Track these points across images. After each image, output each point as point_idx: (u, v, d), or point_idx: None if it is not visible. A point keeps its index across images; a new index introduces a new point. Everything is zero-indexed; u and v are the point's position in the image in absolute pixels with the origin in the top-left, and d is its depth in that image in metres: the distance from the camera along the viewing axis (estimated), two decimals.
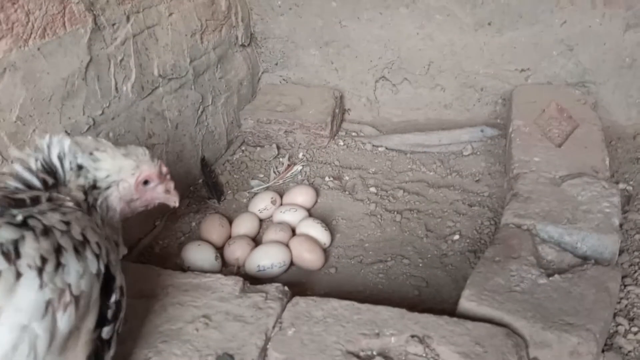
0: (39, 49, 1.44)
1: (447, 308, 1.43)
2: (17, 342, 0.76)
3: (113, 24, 1.70)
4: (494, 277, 1.36)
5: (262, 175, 2.21)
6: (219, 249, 1.78)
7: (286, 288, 1.41)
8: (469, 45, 2.37)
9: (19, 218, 0.86)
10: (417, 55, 2.45)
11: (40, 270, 0.81)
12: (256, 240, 1.84)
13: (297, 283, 1.65)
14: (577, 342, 1.19)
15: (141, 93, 1.86)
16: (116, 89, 1.74)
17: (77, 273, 0.87)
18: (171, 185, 1.23)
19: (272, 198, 1.97)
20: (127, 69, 1.78)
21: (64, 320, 0.83)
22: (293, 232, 1.84)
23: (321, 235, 1.81)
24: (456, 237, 1.80)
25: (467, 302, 1.30)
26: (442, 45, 2.40)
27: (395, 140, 2.35)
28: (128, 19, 1.77)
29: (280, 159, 2.28)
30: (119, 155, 1.13)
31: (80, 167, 1.07)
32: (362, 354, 1.19)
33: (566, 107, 2.10)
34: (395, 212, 1.94)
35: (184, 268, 1.68)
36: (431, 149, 2.30)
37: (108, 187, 1.11)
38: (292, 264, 1.73)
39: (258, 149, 2.36)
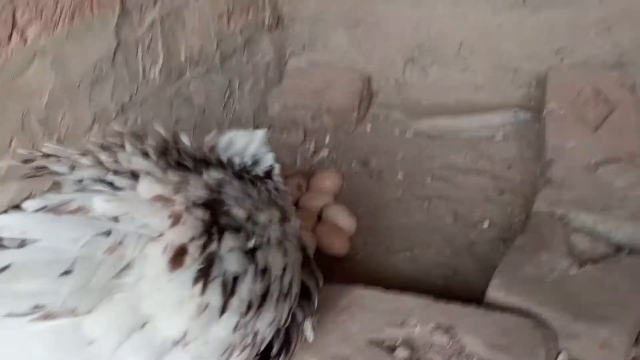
0: (67, 33, 1.45)
1: (474, 297, 1.40)
2: None
3: (141, 7, 1.70)
4: (523, 266, 1.33)
5: (288, 160, 2.20)
6: None
7: None
8: (502, 25, 2.30)
9: (251, 245, 0.82)
10: (449, 36, 2.38)
11: (242, 315, 0.78)
12: None
13: (321, 270, 1.64)
14: (608, 334, 1.16)
15: (168, 78, 1.86)
16: (144, 74, 1.75)
17: (268, 322, 0.84)
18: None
19: (298, 183, 1.96)
20: (154, 54, 1.78)
21: (218, 331, 0.78)
22: (318, 217, 1.84)
23: (347, 221, 1.79)
24: (486, 225, 1.76)
25: (495, 292, 1.27)
26: (474, 26, 2.33)
27: (424, 125, 2.31)
28: (155, 1, 1.76)
29: (307, 144, 2.27)
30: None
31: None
32: (385, 343, 1.18)
33: (603, 90, 2.02)
34: (423, 199, 1.91)
35: None
36: (461, 134, 2.24)
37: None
38: (317, 250, 1.72)
39: (285, 133, 2.35)
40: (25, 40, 1.35)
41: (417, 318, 1.21)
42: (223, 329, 0.76)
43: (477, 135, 2.23)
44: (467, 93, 2.47)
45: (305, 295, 1.02)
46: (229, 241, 0.79)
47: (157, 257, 0.71)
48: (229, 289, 0.76)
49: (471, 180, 1.98)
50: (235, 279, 0.77)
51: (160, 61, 1.81)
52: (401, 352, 1.14)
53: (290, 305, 0.90)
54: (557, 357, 1.19)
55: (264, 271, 0.83)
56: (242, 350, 0.81)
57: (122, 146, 0.86)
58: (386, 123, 2.37)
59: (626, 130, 1.80)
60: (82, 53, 1.51)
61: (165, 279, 0.71)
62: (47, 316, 0.65)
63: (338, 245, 1.71)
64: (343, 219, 1.79)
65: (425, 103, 2.52)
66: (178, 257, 0.72)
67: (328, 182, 1.97)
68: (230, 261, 0.77)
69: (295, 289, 0.92)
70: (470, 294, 1.50)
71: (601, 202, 1.50)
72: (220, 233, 0.78)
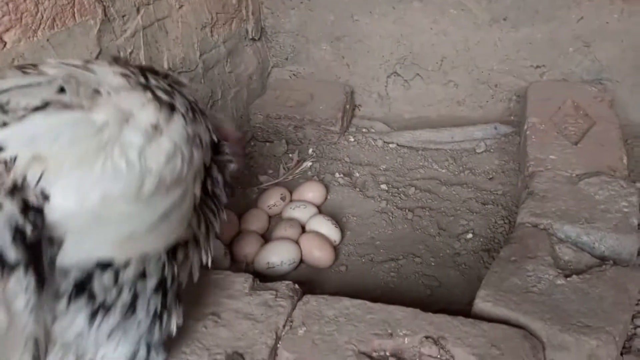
0: (48, 40, 1.42)
1: (460, 308, 1.40)
2: (174, 152, 0.92)
3: (123, 16, 1.68)
4: (510, 277, 1.32)
5: (271, 171, 2.18)
6: (228, 246, 1.75)
7: (297, 286, 1.38)
8: (483, 41, 2.33)
9: (168, 87, 1.02)
10: (430, 50, 2.41)
11: (184, 115, 0.97)
12: (265, 237, 1.81)
13: (306, 281, 1.62)
14: (595, 344, 1.16)
15: None
16: None
17: (204, 129, 1.05)
18: (240, 151, 1.41)
19: (281, 194, 1.95)
20: (136, 62, 1.75)
21: (196, 156, 0.99)
22: (303, 228, 1.82)
23: (331, 232, 1.78)
24: (469, 235, 1.77)
25: (483, 303, 1.27)
26: (455, 41, 2.36)
27: (406, 137, 2.32)
28: (138, 10, 1.74)
29: (290, 155, 2.25)
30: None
31: None
32: (374, 354, 1.17)
33: (582, 105, 2.05)
34: (407, 210, 1.91)
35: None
36: (443, 146, 2.26)
37: None
38: (301, 261, 1.70)
39: (267, 144, 2.34)
40: (4, 45, 1.31)
41: (406, 329, 1.20)
42: (178, 122, 0.95)
43: (459, 148, 2.25)
44: (448, 107, 2.50)
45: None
46: (152, 80, 0.99)
47: (112, 76, 0.94)
48: (172, 98, 0.97)
49: (454, 192, 1.99)
50: (171, 95, 0.98)
51: None
52: None
53: (209, 128, 1.09)
54: None
55: (188, 101, 1.04)
56: (197, 148, 1.00)
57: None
58: (369, 135, 2.37)
59: (606, 144, 1.83)
60: (63, 59, 1.48)
61: (126, 91, 0.93)
62: (65, 106, 0.86)
63: (323, 257, 1.70)
64: (327, 229, 1.78)
65: (407, 116, 2.54)
66: (125, 77, 0.95)
67: (311, 193, 1.96)
68: (159, 87, 0.98)
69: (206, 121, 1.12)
70: (455, 305, 1.51)
71: (584, 214, 1.52)
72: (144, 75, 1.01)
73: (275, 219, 1.91)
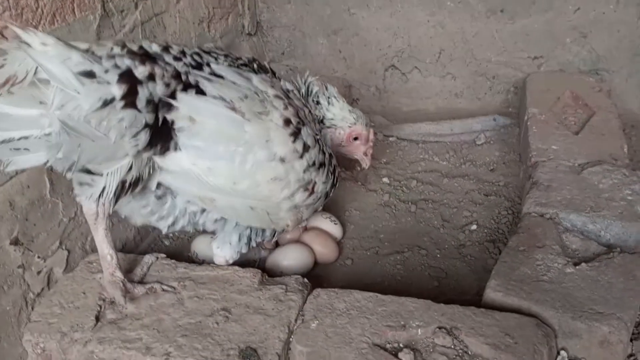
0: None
1: (469, 299, 1.41)
2: (281, 178, 1.30)
3: (121, 11, 1.66)
4: (519, 266, 1.33)
5: None
6: None
7: (306, 280, 1.38)
8: (480, 33, 2.33)
9: (319, 137, 1.43)
10: (428, 43, 2.41)
11: (308, 165, 1.35)
12: None
13: (314, 275, 1.62)
14: (607, 331, 1.17)
15: None
16: None
17: (322, 181, 1.42)
18: (370, 151, 1.65)
19: None
20: None
21: (298, 166, 1.33)
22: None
23: (332, 229, 1.76)
24: (473, 227, 1.77)
25: (494, 293, 1.27)
26: (453, 33, 2.36)
27: (406, 130, 2.32)
28: (136, 5, 1.72)
29: None
30: (346, 108, 1.57)
31: (318, 103, 1.54)
32: (388, 346, 1.16)
33: (581, 95, 2.06)
34: (410, 203, 1.91)
35: (196, 261, 1.64)
36: (443, 139, 2.26)
37: (329, 127, 1.55)
38: (313, 268, 1.66)
39: None
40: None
41: (419, 320, 1.20)
42: (300, 166, 1.33)
43: (459, 140, 2.25)
44: (446, 99, 2.50)
45: None
46: (308, 129, 1.36)
47: (278, 116, 1.30)
48: (305, 148, 1.33)
49: (456, 184, 1.99)
50: (307, 147, 1.34)
51: None
52: (405, 355, 1.12)
53: (331, 187, 1.50)
54: (557, 356, 1.20)
55: (325, 155, 1.43)
56: (305, 191, 1.37)
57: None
58: None
59: (606, 133, 1.84)
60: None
61: (279, 128, 1.29)
62: (232, 108, 1.22)
63: (327, 252, 1.69)
64: (329, 225, 1.76)
65: (405, 109, 2.54)
66: (286, 123, 1.31)
67: None
68: (308, 135, 1.35)
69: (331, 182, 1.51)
70: (463, 295, 1.51)
71: (589, 203, 1.52)
72: (302, 124, 1.36)
73: None
